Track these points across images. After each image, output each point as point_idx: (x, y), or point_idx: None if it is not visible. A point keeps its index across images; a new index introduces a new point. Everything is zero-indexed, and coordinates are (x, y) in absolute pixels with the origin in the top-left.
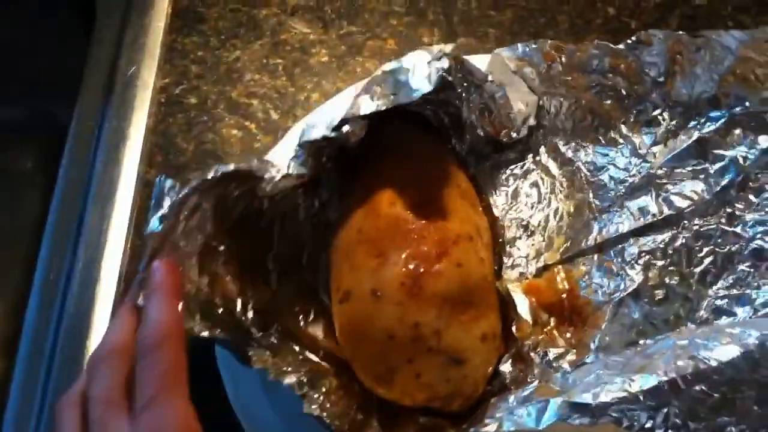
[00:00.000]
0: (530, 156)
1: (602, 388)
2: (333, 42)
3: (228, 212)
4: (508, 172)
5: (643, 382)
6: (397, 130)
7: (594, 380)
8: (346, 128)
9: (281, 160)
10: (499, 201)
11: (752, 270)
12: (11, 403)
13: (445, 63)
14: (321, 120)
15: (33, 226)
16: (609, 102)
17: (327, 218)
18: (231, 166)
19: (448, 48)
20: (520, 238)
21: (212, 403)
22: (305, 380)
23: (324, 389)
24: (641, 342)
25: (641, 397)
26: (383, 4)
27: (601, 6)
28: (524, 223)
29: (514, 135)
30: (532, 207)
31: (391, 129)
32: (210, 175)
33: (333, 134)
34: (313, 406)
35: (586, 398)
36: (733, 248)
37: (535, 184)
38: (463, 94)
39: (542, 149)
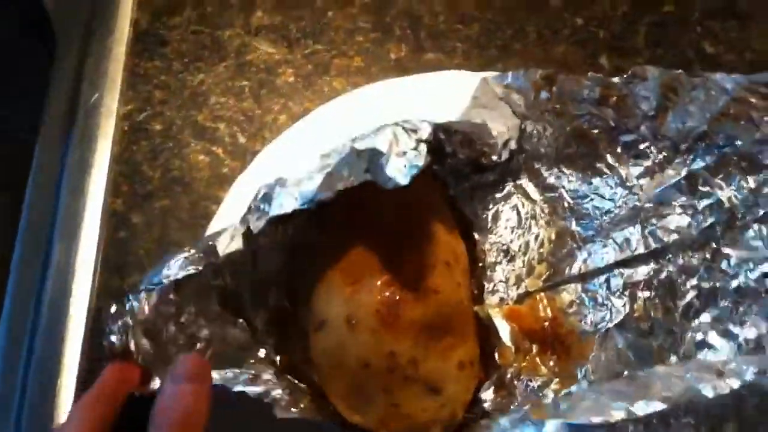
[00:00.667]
0: (510, 179)
1: (603, 412)
2: (299, 61)
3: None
4: (489, 194)
5: (645, 408)
6: None
7: (593, 405)
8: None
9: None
10: (479, 224)
11: (735, 306)
12: None
13: (420, 159)
14: (283, 189)
15: None
16: (596, 131)
17: (300, 242)
18: (179, 273)
19: (425, 132)
20: (500, 263)
21: None
22: (279, 394)
23: (302, 405)
24: (626, 373)
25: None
26: (348, 21)
27: (568, 17)
28: (504, 247)
29: (494, 158)
30: (512, 231)
31: None
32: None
33: (304, 207)
34: (286, 412)
35: (586, 420)
36: (717, 284)
37: (515, 208)
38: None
39: (523, 174)
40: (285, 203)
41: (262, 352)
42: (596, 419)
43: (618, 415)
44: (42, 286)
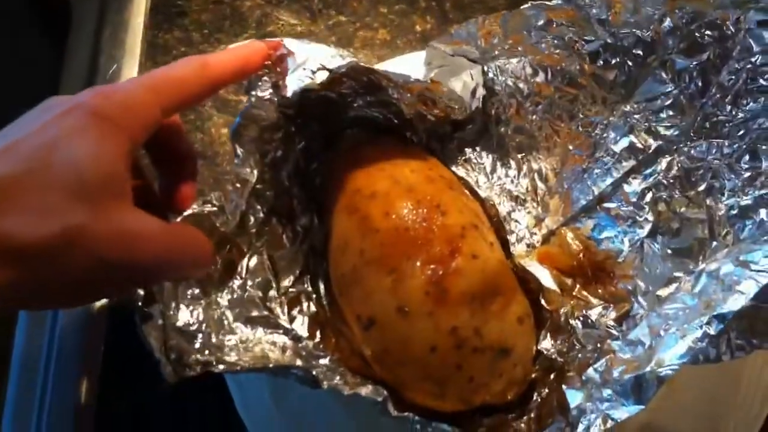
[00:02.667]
0: (494, 125)
1: (677, 341)
2: (322, 33)
3: None
4: (477, 147)
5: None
6: (352, 138)
7: (665, 339)
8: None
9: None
10: (480, 180)
11: (753, 170)
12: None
13: (307, 81)
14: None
15: None
16: (558, 51)
17: (314, 245)
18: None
19: (337, 65)
20: (514, 210)
21: (220, 412)
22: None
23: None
24: (676, 275)
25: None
26: None
27: None
28: (513, 194)
29: (468, 109)
30: (514, 176)
31: (348, 138)
32: None
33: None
34: (395, 412)
35: (670, 358)
36: (729, 156)
37: (507, 152)
38: (395, 95)
39: (503, 115)
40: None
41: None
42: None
43: (707, 328)
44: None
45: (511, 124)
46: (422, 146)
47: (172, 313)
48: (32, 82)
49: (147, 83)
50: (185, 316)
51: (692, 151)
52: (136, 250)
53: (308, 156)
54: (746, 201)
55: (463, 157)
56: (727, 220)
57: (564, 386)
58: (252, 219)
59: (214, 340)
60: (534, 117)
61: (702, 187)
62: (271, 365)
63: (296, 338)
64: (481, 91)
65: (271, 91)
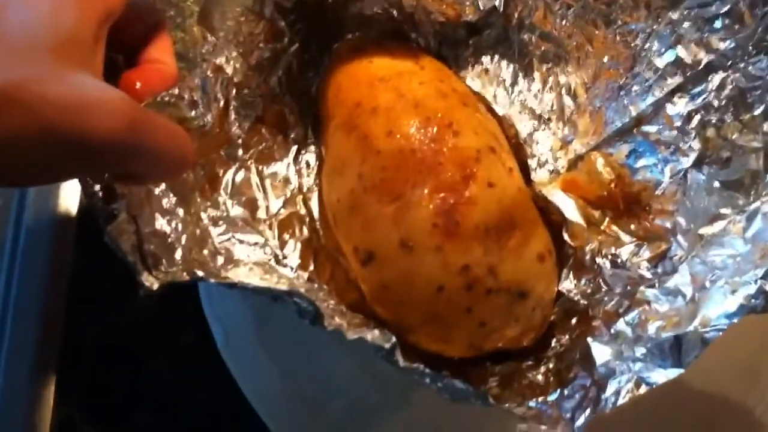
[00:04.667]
0: (515, 30)
1: (726, 297)
2: None
3: None
4: (496, 56)
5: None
6: (352, 44)
7: (715, 292)
8: None
9: None
10: (498, 94)
11: None
12: None
13: None
14: None
15: None
16: None
17: (307, 161)
18: None
19: None
20: (536, 130)
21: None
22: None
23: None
24: (723, 211)
25: None
26: None
27: None
28: (536, 112)
29: (480, 7)
30: (537, 91)
31: (348, 43)
32: None
33: None
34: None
35: (717, 316)
36: None
37: (530, 63)
38: None
39: (527, 19)
40: None
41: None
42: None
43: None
44: None
45: (536, 29)
46: (433, 53)
47: (146, 219)
48: None
49: None
50: (162, 225)
51: (750, 68)
52: (90, 119)
53: (302, 62)
54: None
55: (480, 67)
56: None
57: (589, 338)
58: (237, 126)
59: (196, 256)
60: (564, 22)
61: (759, 110)
62: (274, 287)
63: (288, 268)
64: None
65: None
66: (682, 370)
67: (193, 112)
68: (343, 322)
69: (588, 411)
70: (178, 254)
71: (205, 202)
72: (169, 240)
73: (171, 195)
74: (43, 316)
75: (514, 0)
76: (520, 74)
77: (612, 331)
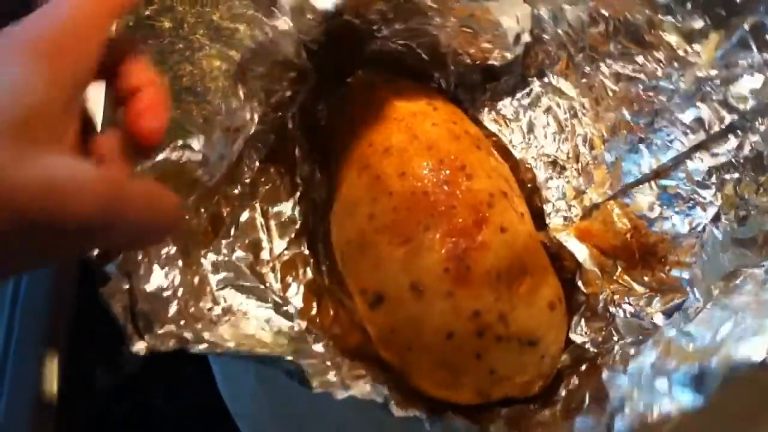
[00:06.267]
0: (534, 79)
1: (754, 335)
2: None
3: None
4: (515, 103)
5: None
6: (367, 79)
7: (739, 331)
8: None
9: None
10: (514, 139)
11: None
12: None
13: None
14: None
15: None
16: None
17: (314, 199)
18: None
19: None
20: (551, 178)
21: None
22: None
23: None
24: (736, 269)
25: None
26: None
27: None
28: (551, 159)
29: (507, 55)
30: (554, 138)
31: (362, 78)
32: None
33: None
34: (407, 411)
35: (749, 352)
36: None
37: (549, 111)
38: (436, 19)
39: (548, 68)
40: None
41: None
42: (758, 350)
43: None
44: None
45: (556, 79)
46: (449, 95)
47: (142, 273)
48: None
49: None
50: (158, 278)
51: None
52: (66, 204)
53: (316, 94)
54: None
55: (496, 112)
56: None
57: (604, 374)
58: (246, 167)
59: (192, 309)
60: (585, 75)
61: None
62: (258, 352)
63: (288, 315)
64: (525, 38)
65: (290, 21)
66: (702, 403)
67: (200, 172)
68: (335, 379)
69: None
70: (172, 309)
71: (207, 246)
72: (165, 294)
73: (171, 244)
74: (45, 348)
75: (535, 49)
76: (537, 122)
77: (629, 369)
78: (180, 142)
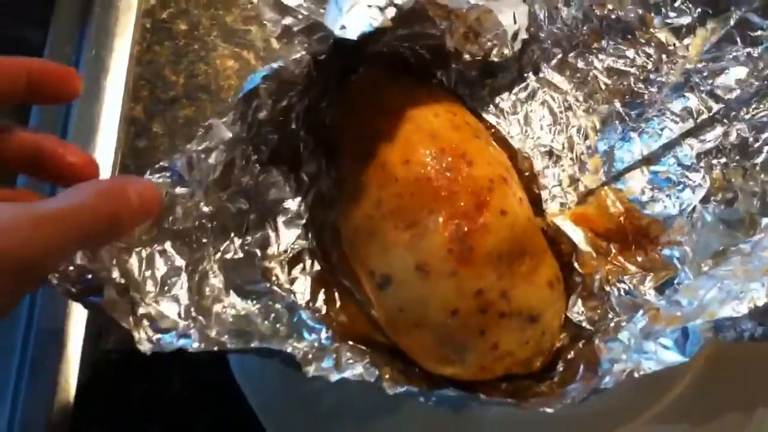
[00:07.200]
0: (530, 74)
1: (736, 297)
2: None
3: None
4: (513, 97)
5: None
6: (369, 76)
7: (719, 293)
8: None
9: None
10: (512, 131)
11: None
12: None
13: (379, 20)
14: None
15: None
16: None
17: (321, 193)
18: None
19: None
20: (548, 167)
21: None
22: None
23: (387, 377)
24: (724, 248)
25: None
26: None
27: None
28: (546, 149)
29: (506, 52)
30: (549, 130)
31: (365, 76)
32: None
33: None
34: (398, 387)
35: (731, 311)
36: None
37: (545, 104)
38: (442, 24)
39: (543, 64)
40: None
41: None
42: (740, 307)
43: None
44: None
45: (551, 74)
46: (449, 90)
47: (144, 287)
48: (21, 5)
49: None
50: (161, 279)
51: (753, 120)
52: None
53: (319, 93)
54: None
55: (495, 105)
56: None
57: (596, 340)
58: (248, 173)
59: (193, 310)
60: (578, 70)
61: (759, 160)
62: (253, 345)
63: (291, 307)
64: (523, 35)
65: (305, 50)
66: (686, 359)
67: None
68: (330, 364)
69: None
70: (175, 309)
71: (216, 245)
72: (169, 294)
73: (176, 255)
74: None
75: (532, 46)
76: (534, 114)
77: (619, 335)
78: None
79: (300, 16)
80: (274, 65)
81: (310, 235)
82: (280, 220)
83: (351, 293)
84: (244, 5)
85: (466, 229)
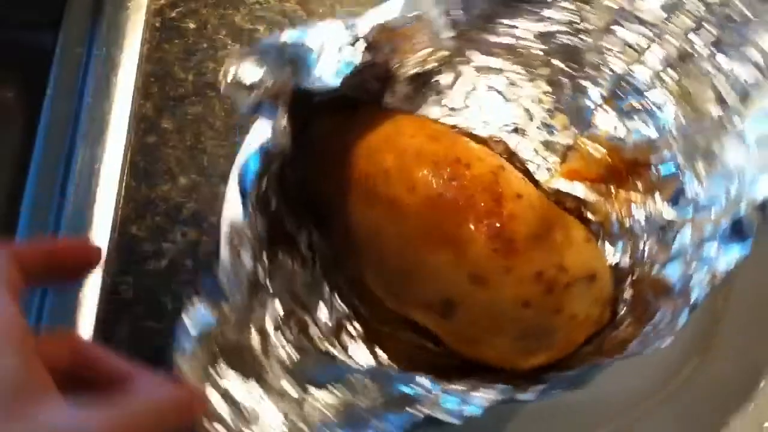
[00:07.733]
0: (466, 67)
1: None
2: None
3: None
4: (457, 93)
5: None
6: (322, 128)
7: (744, 183)
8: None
9: None
10: (472, 123)
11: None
12: None
13: (357, 57)
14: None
15: (16, 165)
16: None
17: (325, 256)
18: None
19: (363, 29)
20: (519, 142)
21: None
22: None
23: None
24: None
25: None
26: None
27: None
28: (511, 127)
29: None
30: (503, 110)
31: (318, 129)
32: None
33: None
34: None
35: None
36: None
37: (491, 88)
38: (387, 47)
39: (467, 51)
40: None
41: None
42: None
43: None
44: (63, 194)
45: (485, 60)
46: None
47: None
48: (33, 2)
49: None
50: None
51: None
52: None
53: (281, 163)
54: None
55: (446, 107)
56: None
57: (656, 266)
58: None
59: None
60: (507, 46)
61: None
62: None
63: (371, 373)
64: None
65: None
66: (748, 251)
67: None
68: (456, 404)
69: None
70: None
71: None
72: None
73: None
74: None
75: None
76: (484, 102)
77: (671, 253)
78: None
79: (268, 85)
80: (264, 144)
81: (335, 301)
82: (308, 300)
83: (400, 335)
84: (252, 5)
85: (497, 225)
